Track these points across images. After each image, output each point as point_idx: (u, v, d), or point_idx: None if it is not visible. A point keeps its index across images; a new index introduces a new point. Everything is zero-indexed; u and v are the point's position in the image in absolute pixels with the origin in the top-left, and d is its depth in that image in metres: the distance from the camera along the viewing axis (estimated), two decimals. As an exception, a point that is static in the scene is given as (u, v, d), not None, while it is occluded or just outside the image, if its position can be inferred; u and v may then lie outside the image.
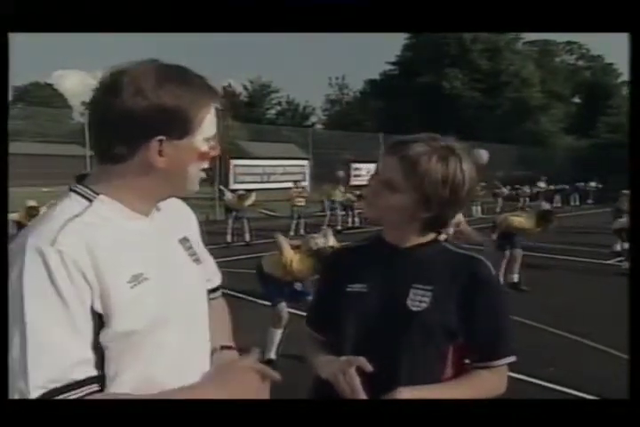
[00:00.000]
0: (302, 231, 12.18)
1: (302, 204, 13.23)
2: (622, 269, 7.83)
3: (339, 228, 13.00)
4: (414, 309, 1.24)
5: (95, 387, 0.92)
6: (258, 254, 5.44)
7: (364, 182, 15.71)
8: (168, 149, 0.98)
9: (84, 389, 0.90)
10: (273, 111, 49.50)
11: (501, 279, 6.28)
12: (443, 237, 1.37)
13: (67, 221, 0.94)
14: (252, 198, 11.75)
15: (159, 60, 1.01)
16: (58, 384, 0.87)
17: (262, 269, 4.47)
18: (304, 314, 1.54)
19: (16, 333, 0.88)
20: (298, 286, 4.39)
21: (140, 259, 0.99)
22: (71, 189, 1.02)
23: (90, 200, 0.99)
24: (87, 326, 0.92)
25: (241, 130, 26.03)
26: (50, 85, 55.46)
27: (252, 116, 39.06)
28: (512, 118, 34.90)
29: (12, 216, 7.64)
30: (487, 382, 1.26)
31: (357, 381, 1.14)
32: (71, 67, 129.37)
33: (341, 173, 15.08)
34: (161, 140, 0.97)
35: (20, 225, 7.27)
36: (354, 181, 18.42)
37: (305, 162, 19.39)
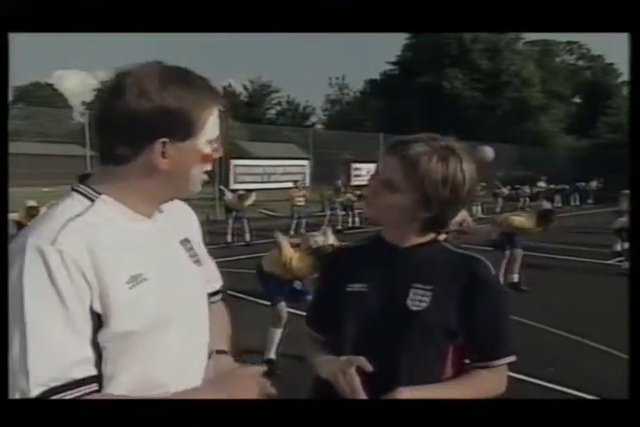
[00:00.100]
0: (302, 231, 12.18)
1: (302, 204, 13.23)
2: (622, 269, 7.83)
3: (339, 227, 12.99)
4: (414, 308, 1.24)
5: (95, 386, 0.92)
6: (258, 254, 5.43)
7: (364, 182, 15.74)
8: (171, 151, 0.98)
9: (83, 388, 0.90)
10: (273, 111, 49.59)
11: (501, 279, 6.29)
12: (442, 236, 1.37)
13: (68, 221, 0.94)
14: (253, 198, 11.75)
15: (163, 61, 1.01)
16: (58, 383, 0.87)
17: (262, 268, 4.47)
18: (304, 314, 1.54)
19: (16, 332, 0.88)
20: (297, 284, 4.39)
21: (141, 260, 0.99)
22: (73, 189, 1.02)
23: (92, 200, 0.99)
24: (87, 325, 0.92)
25: (241, 130, 26.05)
26: (50, 85, 55.48)
27: (253, 116, 39.06)
28: (512, 118, 34.91)
29: (12, 216, 7.62)
30: (487, 382, 1.26)
31: (357, 381, 1.14)
32: (71, 67, 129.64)
33: (339, 183, 15.16)
34: (164, 142, 0.97)
35: (20, 225, 7.26)
36: (354, 181, 18.42)
37: (305, 162, 19.38)
